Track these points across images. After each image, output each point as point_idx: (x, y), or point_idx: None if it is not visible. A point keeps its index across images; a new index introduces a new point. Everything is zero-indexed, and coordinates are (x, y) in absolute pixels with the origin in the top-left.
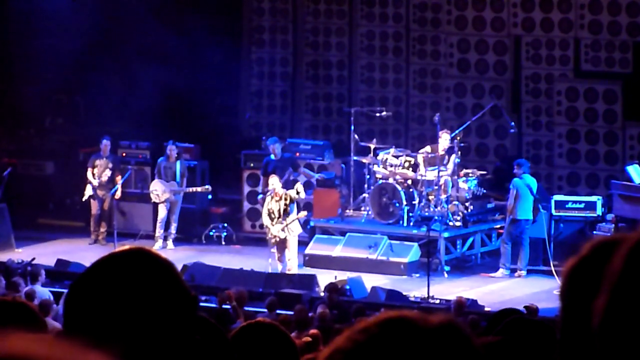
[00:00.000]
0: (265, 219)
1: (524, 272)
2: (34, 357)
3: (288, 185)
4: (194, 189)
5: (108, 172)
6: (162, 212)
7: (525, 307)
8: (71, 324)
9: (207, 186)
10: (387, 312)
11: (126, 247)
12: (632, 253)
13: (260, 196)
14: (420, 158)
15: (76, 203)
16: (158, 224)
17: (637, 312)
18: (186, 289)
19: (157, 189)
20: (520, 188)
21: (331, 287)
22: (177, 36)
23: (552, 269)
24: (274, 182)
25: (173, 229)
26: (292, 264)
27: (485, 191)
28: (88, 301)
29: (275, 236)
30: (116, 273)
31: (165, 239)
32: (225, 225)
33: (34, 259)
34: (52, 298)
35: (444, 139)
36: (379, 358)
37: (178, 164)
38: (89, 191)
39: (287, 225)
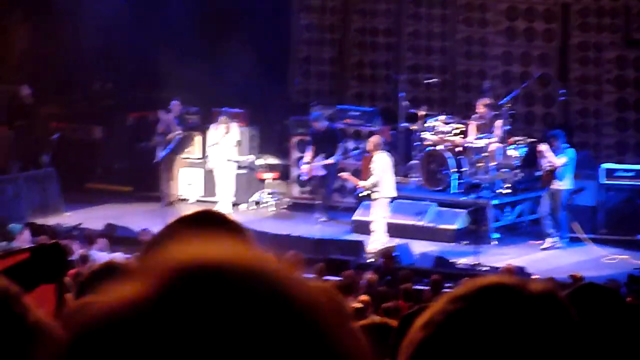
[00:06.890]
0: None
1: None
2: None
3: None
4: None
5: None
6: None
7: (570, 275)
8: None
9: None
10: (485, 277)
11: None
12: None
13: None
14: (471, 126)
15: (124, 167)
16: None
17: None
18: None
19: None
20: (572, 159)
21: (386, 253)
22: (227, 2)
23: (601, 237)
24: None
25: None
26: (375, 246)
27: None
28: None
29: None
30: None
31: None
32: (274, 190)
33: (80, 224)
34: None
35: (481, 106)
36: (477, 325)
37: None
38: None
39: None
